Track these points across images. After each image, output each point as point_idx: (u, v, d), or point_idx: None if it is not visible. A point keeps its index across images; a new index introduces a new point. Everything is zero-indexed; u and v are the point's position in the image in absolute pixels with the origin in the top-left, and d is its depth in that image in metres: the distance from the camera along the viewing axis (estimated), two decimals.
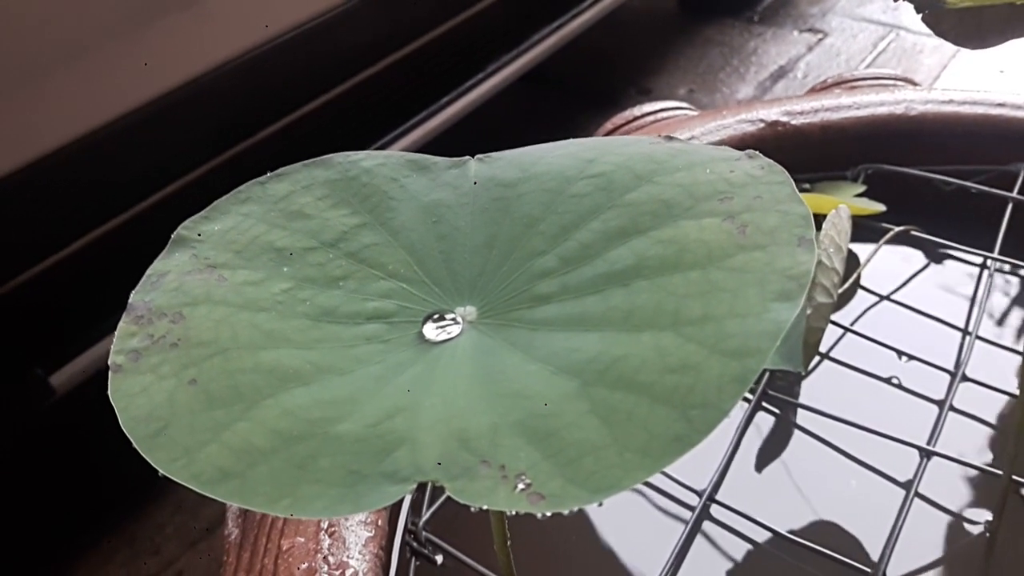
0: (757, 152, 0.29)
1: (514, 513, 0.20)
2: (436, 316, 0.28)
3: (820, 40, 2.27)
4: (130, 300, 0.27)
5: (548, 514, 0.20)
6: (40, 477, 1.20)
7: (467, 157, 0.34)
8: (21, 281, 0.93)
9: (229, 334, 0.26)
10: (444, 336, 0.27)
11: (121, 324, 0.26)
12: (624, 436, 0.21)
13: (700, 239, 0.26)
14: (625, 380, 0.22)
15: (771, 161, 0.29)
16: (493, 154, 0.34)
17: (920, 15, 0.42)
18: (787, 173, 0.28)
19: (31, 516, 1.16)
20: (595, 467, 0.21)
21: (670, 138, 0.32)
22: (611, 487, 0.20)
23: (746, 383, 0.21)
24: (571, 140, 0.34)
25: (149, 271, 0.28)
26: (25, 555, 1.13)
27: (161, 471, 0.22)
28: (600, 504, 0.19)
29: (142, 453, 0.22)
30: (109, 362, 0.25)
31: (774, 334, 0.22)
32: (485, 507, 0.20)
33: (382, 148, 1.31)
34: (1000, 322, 0.65)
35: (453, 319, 0.28)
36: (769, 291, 0.23)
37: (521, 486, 0.20)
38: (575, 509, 0.20)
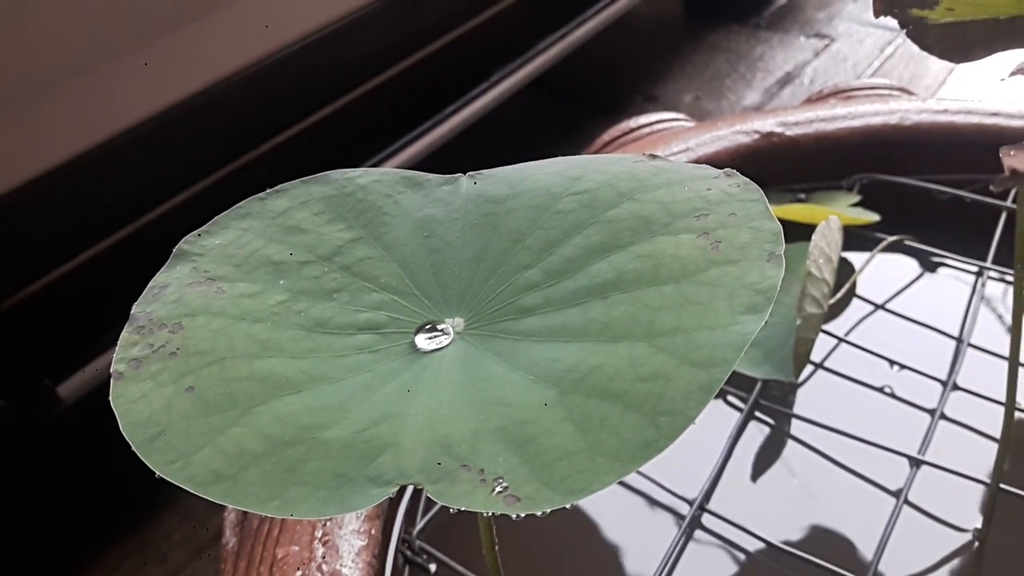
0: (735, 171, 0.30)
1: (490, 514, 0.21)
2: (428, 326, 0.29)
3: (827, 46, 2.27)
4: (132, 311, 0.28)
5: (523, 515, 0.21)
6: (49, 486, 1.21)
7: (459, 174, 0.35)
8: (30, 292, 0.95)
9: (226, 344, 0.27)
10: (436, 345, 0.28)
11: (123, 334, 0.28)
12: (597, 442, 0.22)
13: (676, 254, 0.27)
14: (600, 388, 0.24)
15: (747, 179, 0.30)
16: (484, 171, 0.35)
17: (904, 31, 0.43)
18: (761, 191, 0.29)
19: (40, 524, 1.18)
20: (569, 471, 0.22)
21: (654, 156, 0.33)
22: (582, 490, 0.21)
23: (711, 391, 0.22)
24: (560, 158, 0.36)
25: (151, 283, 0.30)
26: (34, 563, 1.14)
27: (158, 473, 0.23)
28: (569, 507, 0.20)
29: (140, 456, 0.23)
30: (111, 370, 0.26)
31: (739, 345, 0.23)
32: (463, 508, 0.21)
33: (388, 157, 1.32)
34: (993, 331, 0.65)
35: (443, 330, 0.29)
36: (737, 304, 0.24)
37: (498, 489, 0.22)
38: (547, 511, 0.21)
